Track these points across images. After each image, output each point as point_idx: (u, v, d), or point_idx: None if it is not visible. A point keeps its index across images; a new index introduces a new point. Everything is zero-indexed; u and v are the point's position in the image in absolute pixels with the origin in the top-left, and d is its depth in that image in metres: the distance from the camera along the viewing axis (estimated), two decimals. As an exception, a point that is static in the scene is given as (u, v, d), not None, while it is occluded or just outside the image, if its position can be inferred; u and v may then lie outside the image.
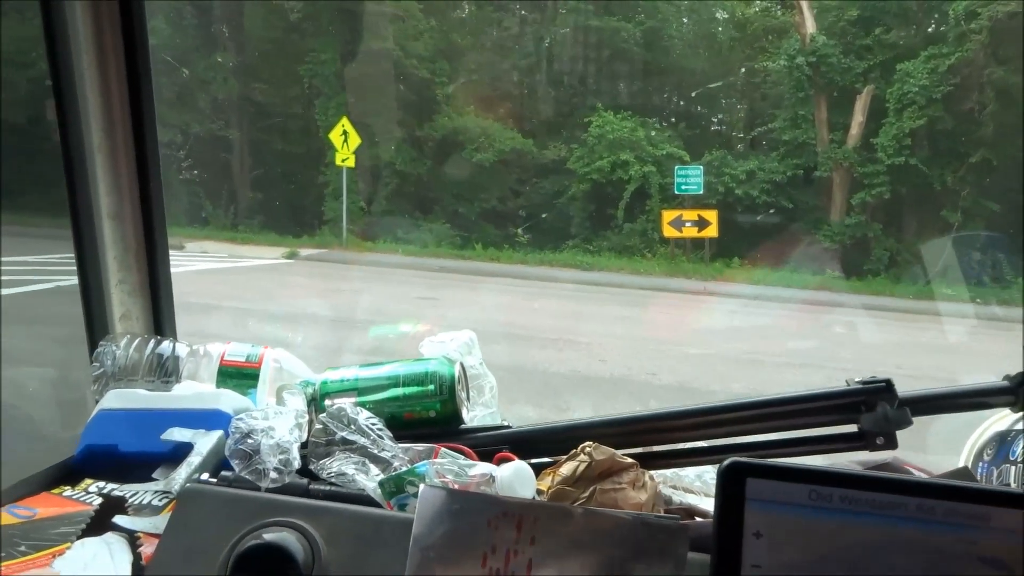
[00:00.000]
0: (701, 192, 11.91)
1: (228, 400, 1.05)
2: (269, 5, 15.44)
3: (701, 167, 12.29)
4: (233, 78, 14.68)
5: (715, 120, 16.18)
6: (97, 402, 1.09)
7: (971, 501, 0.66)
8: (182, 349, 1.13)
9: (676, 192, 12.13)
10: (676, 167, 12.42)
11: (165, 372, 1.12)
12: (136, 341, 1.12)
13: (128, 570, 0.78)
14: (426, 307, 7.42)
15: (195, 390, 1.08)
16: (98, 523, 0.85)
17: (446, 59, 15.16)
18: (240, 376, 1.12)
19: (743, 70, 15.11)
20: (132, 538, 0.82)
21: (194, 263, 9.53)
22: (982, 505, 0.66)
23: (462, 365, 1.10)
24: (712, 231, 11.49)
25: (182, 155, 13.53)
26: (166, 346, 1.13)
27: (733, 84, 15.32)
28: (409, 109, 14.70)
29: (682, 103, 15.72)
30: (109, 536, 0.82)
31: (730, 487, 0.69)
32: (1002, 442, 1.01)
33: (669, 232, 11.79)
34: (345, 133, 12.35)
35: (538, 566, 0.74)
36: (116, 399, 1.05)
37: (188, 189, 13.55)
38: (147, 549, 0.81)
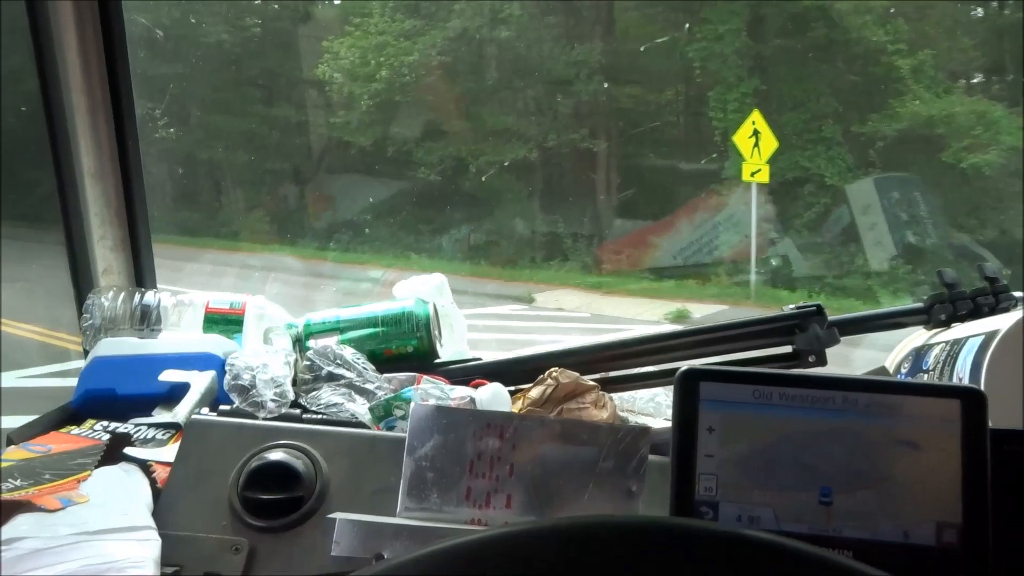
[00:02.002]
0: None
1: (217, 344, 1.12)
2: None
3: None
4: (600, 74, 9.83)
5: None
6: (87, 352, 1.15)
7: (886, 392, 0.78)
8: (168, 299, 1.19)
9: None
10: None
11: (151, 321, 1.18)
12: (123, 293, 1.18)
13: (148, 491, 0.85)
14: None
15: (183, 337, 1.15)
16: (111, 454, 0.91)
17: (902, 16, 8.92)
18: (226, 322, 1.18)
19: None
20: (145, 466, 0.89)
21: (554, 328, 6.75)
22: (896, 395, 0.78)
23: (434, 305, 1.19)
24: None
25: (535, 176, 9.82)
26: (152, 297, 1.19)
27: None
28: (847, 93, 8.97)
29: None
30: (124, 464, 0.89)
31: (686, 390, 0.80)
32: (917, 355, 1.14)
33: None
34: (756, 134, 7.60)
35: (519, 469, 0.84)
36: (109, 347, 1.11)
37: (546, 219, 9.47)
38: (160, 474, 0.89)
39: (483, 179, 9.35)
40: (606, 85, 9.88)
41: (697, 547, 0.60)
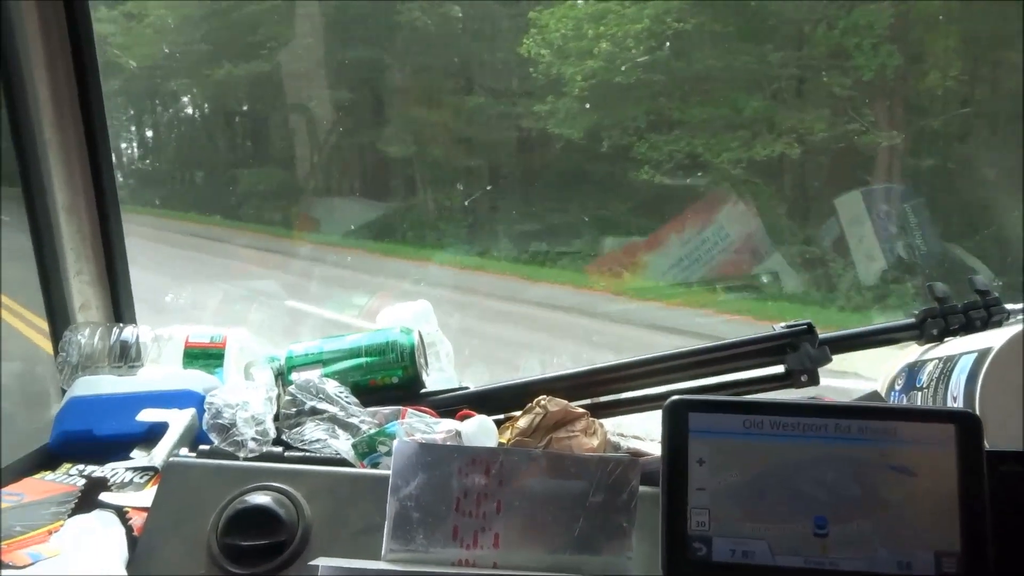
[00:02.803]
0: None
1: (197, 380, 1.10)
2: None
3: None
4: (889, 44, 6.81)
5: None
6: (64, 391, 1.12)
7: (879, 418, 0.76)
8: (146, 334, 1.16)
9: None
10: None
11: (130, 358, 1.16)
12: (99, 329, 1.15)
13: (123, 540, 0.82)
14: None
15: (163, 373, 1.12)
16: (85, 501, 0.88)
17: None
18: (206, 357, 1.16)
19: None
20: (121, 513, 0.87)
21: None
22: (889, 421, 0.76)
23: (420, 333, 1.17)
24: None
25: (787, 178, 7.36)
26: (130, 332, 1.16)
27: None
28: None
29: None
30: (98, 512, 0.87)
31: (675, 421, 0.78)
32: (910, 372, 1.12)
33: None
34: None
35: (507, 506, 0.82)
36: (85, 386, 1.08)
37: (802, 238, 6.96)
38: (136, 521, 0.86)
39: (724, 182, 6.72)
40: (897, 60, 6.78)
41: None
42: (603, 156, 7.59)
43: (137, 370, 1.15)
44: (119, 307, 1.27)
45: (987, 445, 0.88)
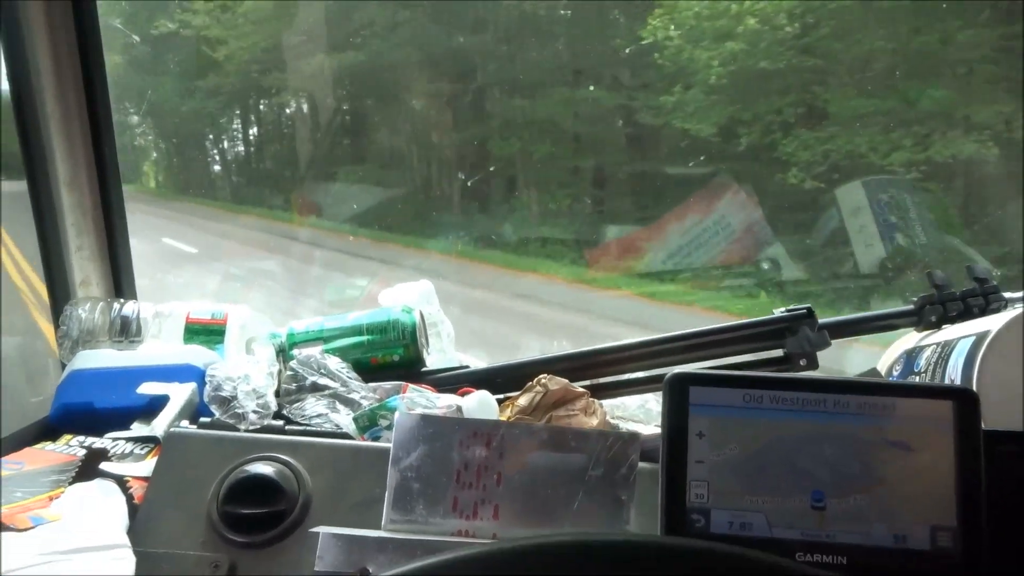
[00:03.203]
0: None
1: (197, 355, 1.10)
2: None
3: None
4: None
5: None
6: (64, 365, 1.12)
7: (878, 394, 0.76)
8: (147, 310, 1.17)
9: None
10: None
11: (130, 333, 1.16)
12: (100, 304, 1.15)
13: (124, 508, 0.83)
14: None
15: (163, 348, 1.13)
16: (86, 470, 0.89)
17: None
18: (207, 333, 1.16)
19: None
20: (121, 482, 0.87)
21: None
22: (888, 396, 0.76)
23: (421, 313, 1.17)
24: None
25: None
26: (131, 307, 1.16)
27: None
28: None
29: None
30: (99, 480, 0.87)
31: (676, 395, 0.78)
32: (908, 358, 1.13)
33: None
34: None
35: (507, 478, 0.82)
36: (86, 360, 1.08)
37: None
38: (137, 490, 0.86)
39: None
40: None
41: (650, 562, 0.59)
42: (738, 156, 6.20)
43: (137, 345, 1.16)
44: (119, 282, 1.27)
45: (985, 425, 0.89)
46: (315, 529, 0.77)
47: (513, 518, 0.81)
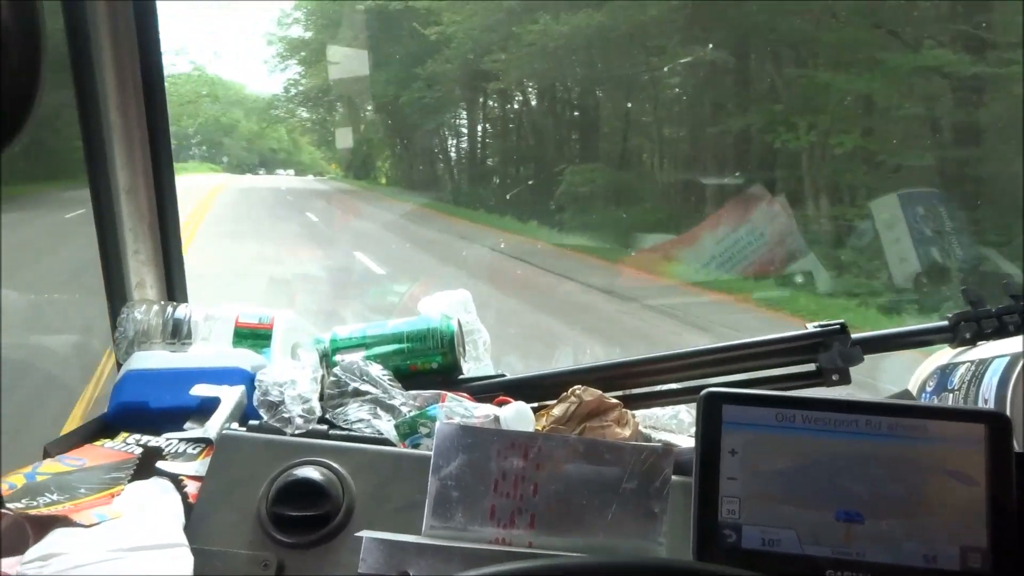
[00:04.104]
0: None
1: (246, 358, 1.14)
2: None
3: None
4: None
5: None
6: (120, 365, 1.17)
7: (910, 416, 0.78)
8: (198, 313, 1.21)
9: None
10: None
11: (182, 335, 1.21)
12: (155, 307, 1.20)
13: (180, 506, 0.87)
14: None
15: (214, 350, 1.17)
16: (143, 468, 0.93)
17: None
18: (254, 337, 1.20)
19: None
20: (176, 481, 0.91)
21: None
22: (920, 419, 0.78)
23: (459, 321, 1.20)
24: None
25: None
26: (183, 310, 1.21)
27: None
28: None
29: None
30: (156, 479, 0.91)
31: (709, 412, 0.81)
32: (942, 374, 1.13)
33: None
34: None
35: (543, 489, 0.85)
36: (142, 360, 1.13)
37: None
38: (190, 489, 0.91)
39: None
40: None
41: None
42: None
43: (188, 347, 1.20)
44: (172, 286, 1.32)
45: (1017, 447, 0.90)
46: (359, 533, 0.81)
47: (548, 528, 0.84)
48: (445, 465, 0.86)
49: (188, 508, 0.88)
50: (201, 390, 1.07)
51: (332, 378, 1.08)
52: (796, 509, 0.78)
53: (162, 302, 1.22)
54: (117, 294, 1.26)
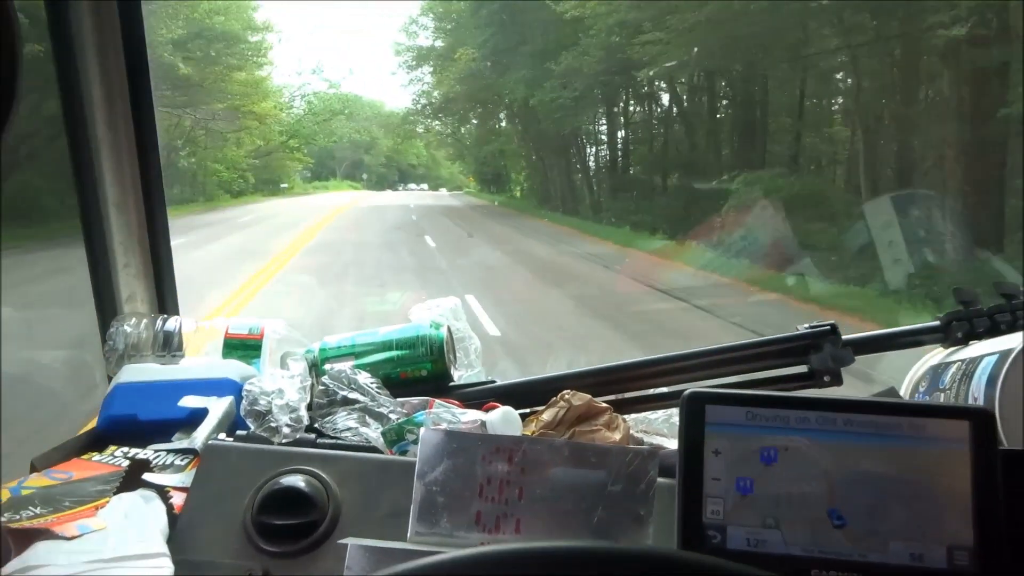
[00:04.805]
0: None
1: (235, 369, 1.14)
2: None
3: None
4: None
5: None
6: (110, 378, 1.17)
7: (894, 414, 0.77)
8: (188, 325, 1.22)
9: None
10: None
11: (173, 347, 1.21)
12: (145, 320, 1.21)
13: (164, 517, 0.87)
14: None
15: (204, 362, 1.17)
16: (129, 481, 0.93)
17: None
18: (244, 348, 1.20)
19: None
20: (162, 492, 0.91)
21: None
22: (904, 417, 0.77)
23: (449, 328, 1.20)
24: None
25: None
26: (173, 323, 1.21)
27: None
28: None
29: None
30: (142, 491, 0.91)
31: (692, 413, 0.80)
32: (934, 374, 1.13)
33: None
34: None
35: (529, 493, 0.85)
36: (131, 373, 1.14)
37: None
38: (177, 500, 0.91)
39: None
40: None
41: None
42: None
43: (179, 359, 1.20)
44: (163, 298, 1.32)
45: (1005, 444, 0.90)
46: (343, 541, 0.81)
47: (534, 532, 0.84)
48: (430, 471, 0.86)
49: (173, 519, 0.88)
50: (190, 402, 1.07)
51: (321, 387, 1.08)
52: (781, 509, 0.77)
53: (152, 315, 1.22)
54: (107, 307, 1.26)
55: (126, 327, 1.19)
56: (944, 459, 0.76)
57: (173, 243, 1.31)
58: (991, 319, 1.13)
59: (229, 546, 0.86)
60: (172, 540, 0.85)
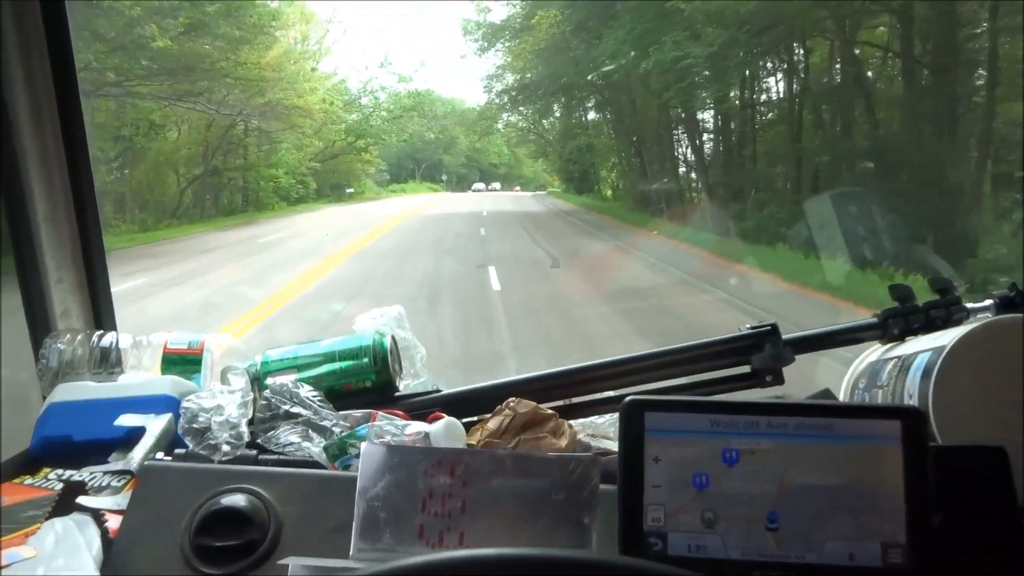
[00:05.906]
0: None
1: (174, 385, 1.12)
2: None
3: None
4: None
5: None
6: (44, 397, 1.14)
7: (828, 415, 0.78)
8: (125, 340, 1.19)
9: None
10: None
11: (110, 364, 1.18)
12: (80, 336, 1.17)
13: (98, 543, 0.84)
14: None
15: (141, 378, 1.15)
16: (63, 505, 0.90)
17: None
18: (184, 363, 1.18)
19: None
20: (97, 516, 0.89)
21: None
22: (837, 418, 0.78)
23: (393, 338, 1.19)
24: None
25: None
26: (109, 339, 1.18)
27: None
28: None
29: None
30: (75, 515, 0.89)
31: (631, 421, 0.80)
32: (872, 371, 1.15)
33: None
34: None
35: (471, 506, 0.84)
36: (66, 392, 1.11)
37: None
38: (112, 524, 0.88)
39: None
40: None
41: None
42: None
43: (117, 376, 1.17)
44: (99, 314, 1.29)
45: (939, 440, 0.92)
46: (284, 560, 0.79)
47: (478, 544, 0.83)
48: (372, 486, 0.85)
49: (108, 543, 0.86)
50: (127, 420, 1.04)
51: (263, 401, 1.07)
52: (720, 514, 0.78)
53: (87, 331, 1.19)
54: (40, 324, 1.22)
55: (59, 344, 1.16)
56: (878, 458, 0.78)
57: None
58: (926, 315, 1.15)
59: (167, 570, 0.84)
60: (106, 566, 0.83)
